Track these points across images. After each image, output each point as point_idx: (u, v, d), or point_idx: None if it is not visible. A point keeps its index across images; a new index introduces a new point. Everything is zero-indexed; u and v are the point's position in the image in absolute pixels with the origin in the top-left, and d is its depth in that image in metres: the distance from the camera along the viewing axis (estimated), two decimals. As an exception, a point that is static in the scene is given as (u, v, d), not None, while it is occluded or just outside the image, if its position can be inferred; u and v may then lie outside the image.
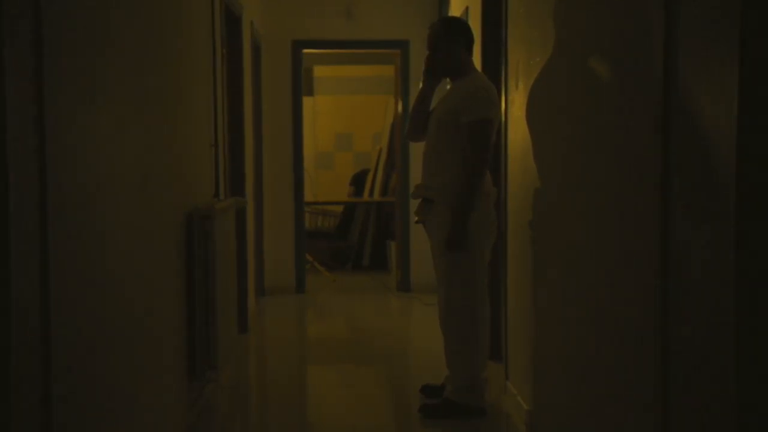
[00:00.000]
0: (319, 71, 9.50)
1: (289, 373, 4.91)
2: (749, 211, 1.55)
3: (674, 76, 1.86)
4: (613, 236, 2.35)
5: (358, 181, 9.14)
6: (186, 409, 3.54)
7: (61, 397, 1.96)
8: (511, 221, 3.89)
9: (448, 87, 4.03)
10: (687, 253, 1.80)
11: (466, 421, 3.73)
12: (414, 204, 7.07)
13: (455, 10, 6.12)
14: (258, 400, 4.41)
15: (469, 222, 3.64)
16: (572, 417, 2.82)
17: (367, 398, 4.37)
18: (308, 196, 8.18)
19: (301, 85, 7.25)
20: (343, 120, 9.53)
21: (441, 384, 4.01)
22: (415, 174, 7.11)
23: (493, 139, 3.71)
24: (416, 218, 3.96)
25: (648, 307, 2.01)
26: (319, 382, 4.83)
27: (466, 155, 3.65)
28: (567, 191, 2.89)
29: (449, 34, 3.82)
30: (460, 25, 3.94)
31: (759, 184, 1.55)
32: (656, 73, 1.94)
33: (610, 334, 2.37)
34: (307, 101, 8.46)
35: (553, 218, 3.10)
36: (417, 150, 7.13)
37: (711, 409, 1.70)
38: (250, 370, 4.97)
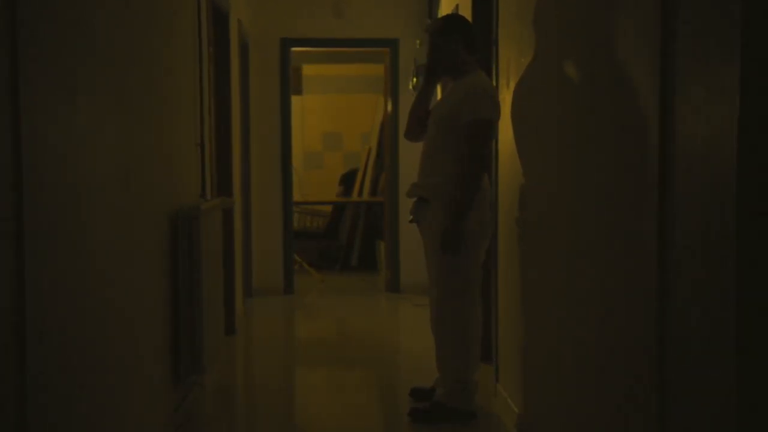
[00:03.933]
0: (308, 70, 9.44)
1: (276, 375, 4.86)
2: (750, 211, 1.51)
3: (672, 75, 1.82)
4: (607, 237, 2.30)
5: (347, 181, 9.09)
6: (170, 412, 3.48)
7: (38, 398, 1.90)
8: (502, 222, 3.85)
9: (449, 86, 3.97)
10: (686, 253, 1.76)
11: (456, 425, 3.69)
12: (405, 204, 7.07)
13: (445, 9, 6.08)
14: (244, 404, 4.35)
15: (465, 223, 3.59)
16: (564, 420, 2.78)
17: (356, 401, 4.33)
18: (297, 196, 8.12)
19: (289, 83, 7.19)
20: (332, 119, 9.48)
21: (431, 387, 3.96)
22: (405, 174, 7.07)
23: (492, 139, 3.65)
24: (410, 217, 3.91)
25: (644, 307, 1.97)
26: (307, 385, 4.77)
27: (463, 155, 3.60)
28: (560, 191, 2.84)
29: (448, 32, 3.76)
30: (458, 23, 3.87)
31: (760, 183, 1.51)
32: (654, 71, 1.89)
33: (603, 335, 2.33)
34: (295, 100, 8.40)
35: (545, 218, 3.06)
36: (406, 150, 7.10)
37: (709, 409, 1.66)
38: (236, 373, 4.91)
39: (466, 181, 3.57)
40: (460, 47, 3.74)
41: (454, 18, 4.08)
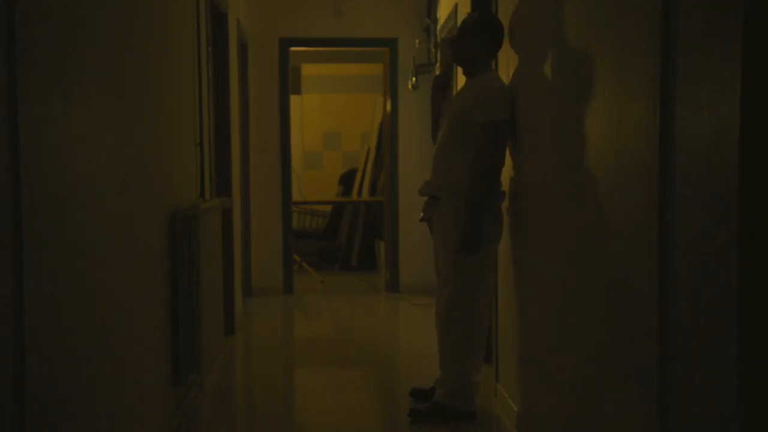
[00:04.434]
0: (307, 69, 9.43)
1: (275, 376, 4.85)
2: (752, 211, 1.51)
3: (672, 74, 1.81)
4: (606, 237, 2.29)
5: (347, 181, 9.08)
6: (169, 413, 3.47)
7: (37, 398, 1.89)
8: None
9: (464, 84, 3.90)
10: (686, 254, 1.75)
11: (456, 425, 3.68)
12: (404, 204, 7.07)
13: (445, 8, 6.07)
14: (244, 404, 4.34)
15: (483, 223, 3.57)
16: (564, 419, 2.77)
17: (356, 402, 4.32)
18: (296, 196, 8.11)
19: (288, 83, 7.18)
20: (332, 119, 9.47)
21: (431, 387, 3.95)
22: (405, 173, 7.07)
23: (506, 140, 3.61)
24: (421, 215, 3.88)
25: (644, 307, 1.96)
26: (306, 385, 4.76)
27: (477, 155, 3.58)
28: (557, 188, 2.83)
29: (475, 28, 3.71)
30: (489, 22, 3.75)
31: (762, 184, 1.50)
32: (654, 70, 1.88)
33: (602, 334, 2.32)
34: (294, 100, 8.39)
35: (542, 216, 3.05)
36: (406, 149, 7.10)
37: (710, 409, 1.65)
38: (236, 373, 4.90)
39: (480, 181, 3.55)
40: (486, 47, 3.71)
41: (487, 17, 3.83)
